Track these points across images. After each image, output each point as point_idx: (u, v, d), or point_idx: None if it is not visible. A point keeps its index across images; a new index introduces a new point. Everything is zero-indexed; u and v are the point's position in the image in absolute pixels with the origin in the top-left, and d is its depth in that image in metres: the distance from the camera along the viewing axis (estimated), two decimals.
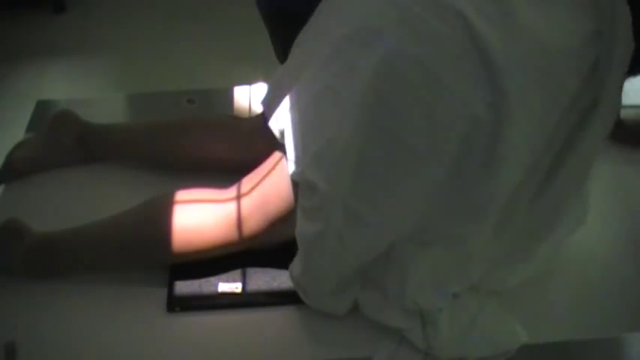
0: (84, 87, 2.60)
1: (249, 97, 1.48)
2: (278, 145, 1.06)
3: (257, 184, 1.02)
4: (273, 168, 1.02)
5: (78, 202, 1.18)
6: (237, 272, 1.06)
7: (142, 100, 1.55)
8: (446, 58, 0.82)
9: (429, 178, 0.87)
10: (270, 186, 1.00)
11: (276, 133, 1.04)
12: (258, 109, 1.40)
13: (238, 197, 1.02)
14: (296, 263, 0.98)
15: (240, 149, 1.17)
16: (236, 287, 1.04)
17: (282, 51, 1.57)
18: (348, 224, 0.88)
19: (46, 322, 0.99)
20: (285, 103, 1.00)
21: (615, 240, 1.16)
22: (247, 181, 1.04)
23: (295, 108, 0.95)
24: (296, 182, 0.95)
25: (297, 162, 0.92)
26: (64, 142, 1.23)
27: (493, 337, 0.95)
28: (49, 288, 1.03)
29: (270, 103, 1.07)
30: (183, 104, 1.42)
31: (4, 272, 1.04)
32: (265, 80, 1.58)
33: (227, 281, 1.05)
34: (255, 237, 1.01)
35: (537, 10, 0.83)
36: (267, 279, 1.06)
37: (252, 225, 1.00)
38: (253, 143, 1.16)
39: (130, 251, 1.04)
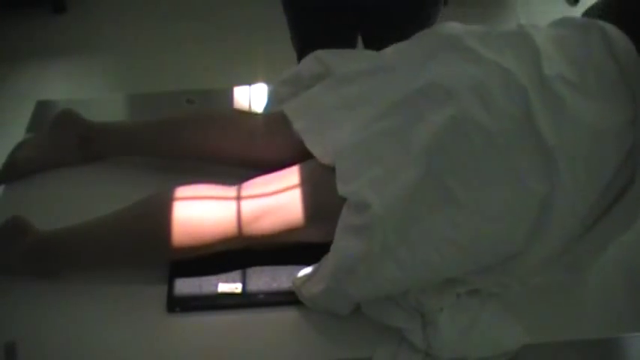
0: (84, 87, 2.61)
1: (249, 97, 1.48)
2: (287, 144, 1.12)
3: (278, 191, 1.02)
4: (302, 183, 1.03)
5: (79, 202, 1.18)
6: (237, 272, 1.06)
7: (142, 100, 1.55)
8: (506, 129, 0.93)
9: (471, 235, 0.92)
10: (293, 195, 1.01)
11: (315, 152, 1.06)
12: (258, 109, 1.40)
13: (254, 196, 1.02)
14: (314, 281, 0.98)
15: (244, 144, 1.17)
16: (236, 287, 1.04)
17: (298, 38, 1.57)
18: (382, 253, 0.91)
19: (46, 322, 0.99)
20: (333, 128, 1.07)
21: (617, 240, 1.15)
22: (265, 183, 1.04)
23: (351, 136, 1.00)
24: (320, 201, 0.99)
25: (347, 181, 0.96)
26: (67, 142, 1.23)
27: (494, 337, 0.95)
28: (49, 288, 1.04)
29: (302, 117, 1.12)
30: (183, 104, 1.42)
31: (6, 270, 1.04)
32: (265, 80, 1.58)
33: (227, 281, 1.05)
34: (258, 238, 1.02)
35: (582, 99, 0.96)
36: (267, 279, 1.06)
37: (259, 226, 1.00)
38: (259, 139, 1.17)
39: (132, 247, 1.03)
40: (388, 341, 0.97)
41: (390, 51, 1.18)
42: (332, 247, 0.95)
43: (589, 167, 0.94)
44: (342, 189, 0.96)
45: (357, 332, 0.98)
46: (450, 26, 1.10)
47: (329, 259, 0.95)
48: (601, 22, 1.06)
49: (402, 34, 1.30)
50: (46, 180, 1.23)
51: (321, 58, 1.31)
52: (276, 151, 1.16)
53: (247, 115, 1.25)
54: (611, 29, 1.02)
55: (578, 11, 3.03)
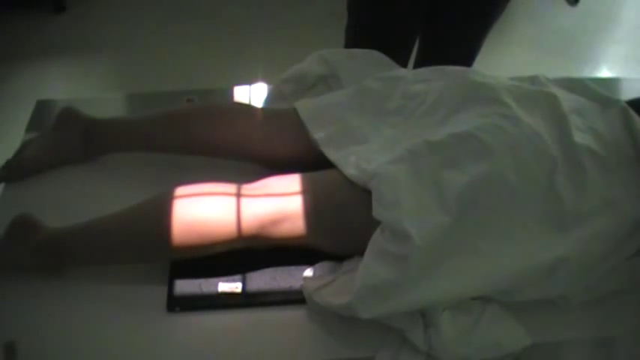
0: (84, 87, 2.60)
1: (249, 97, 1.48)
2: (294, 141, 1.15)
3: (297, 196, 1.02)
4: (323, 191, 1.03)
5: (80, 200, 1.18)
6: (237, 272, 1.06)
7: (142, 100, 1.55)
8: (530, 192, 0.99)
9: (486, 277, 0.97)
10: (312, 203, 1.01)
11: (338, 163, 1.07)
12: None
13: (272, 197, 1.03)
14: (331, 292, 0.98)
15: (249, 137, 1.17)
16: (236, 287, 1.04)
17: (358, 28, 1.52)
18: (407, 282, 0.93)
19: (46, 322, 0.99)
20: (356, 142, 1.11)
21: None
22: (282, 186, 1.04)
23: (391, 164, 1.02)
24: (342, 215, 1.02)
25: (386, 207, 0.96)
26: (71, 139, 1.23)
27: (495, 339, 0.95)
28: (49, 288, 1.03)
29: (322, 127, 1.14)
30: (183, 104, 1.42)
31: (16, 267, 1.04)
32: (265, 80, 1.58)
33: (227, 281, 1.05)
34: (272, 240, 1.02)
35: (602, 170, 1.03)
36: (267, 279, 1.06)
37: (277, 230, 1.01)
38: (264, 133, 1.17)
39: (138, 247, 1.03)
40: (390, 342, 0.96)
41: (411, 76, 1.20)
42: (361, 267, 0.95)
43: (601, 233, 1.00)
44: (380, 213, 0.97)
45: (357, 332, 0.98)
46: (480, 74, 1.14)
47: (356, 278, 0.94)
48: (623, 102, 1.13)
49: (465, 32, 1.36)
50: (46, 179, 1.23)
51: (326, 58, 1.32)
52: (281, 147, 1.17)
53: (252, 108, 1.25)
54: (631, 110, 1.11)
55: (578, 11, 3.03)
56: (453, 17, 1.45)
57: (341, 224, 1.02)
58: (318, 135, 1.14)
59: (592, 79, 2.19)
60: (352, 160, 1.05)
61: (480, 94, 1.09)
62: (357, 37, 1.51)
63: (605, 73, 2.87)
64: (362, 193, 1.01)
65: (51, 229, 1.05)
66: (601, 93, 1.19)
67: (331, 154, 1.10)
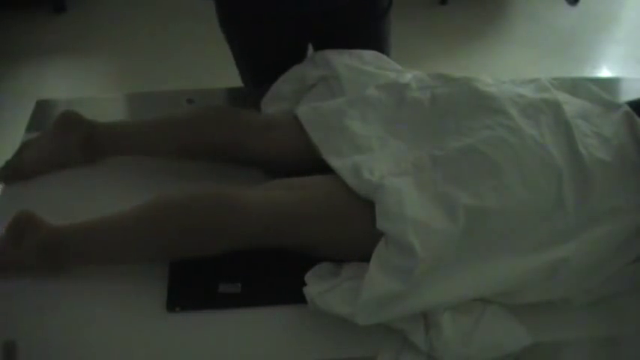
0: (84, 87, 2.61)
1: (248, 97, 1.48)
2: (295, 147, 1.15)
3: (303, 202, 1.03)
4: (327, 201, 1.03)
5: (80, 202, 1.17)
6: (237, 272, 1.06)
7: (141, 99, 1.55)
8: (537, 202, 0.99)
9: (486, 288, 0.98)
10: (317, 210, 1.02)
11: (342, 173, 1.06)
12: (258, 108, 1.39)
13: (276, 203, 1.02)
14: (333, 297, 0.97)
15: (247, 143, 1.17)
16: (236, 287, 1.04)
17: (246, 63, 1.50)
18: (409, 290, 0.93)
19: (46, 321, 0.99)
20: (359, 151, 1.10)
21: None
22: (286, 190, 1.04)
23: (395, 177, 1.02)
24: (347, 227, 1.02)
25: (390, 218, 0.96)
26: (71, 143, 1.23)
27: (496, 338, 0.95)
28: (49, 288, 1.03)
29: (328, 140, 1.14)
30: (183, 104, 1.42)
31: (18, 263, 1.04)
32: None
33: (227, 281, 1.05)
34: (273, 245, 1.03)
35: (608, 178, 1.02)
36: (267, 279, 1.06)
37: (280, 234, 1.01)
38: (263, 138, 1.17)
39: (141, 246, 1.04)
40: (391, 343, 0.96)
41: (413, 83, 1.19)
42: (366, 279, 0.94)
43: (603, 237, 1.00)
44: (384, 225, 0.97)
45: (358, 332, 0.98)
46: (483, 82, 1.14)
47: (361, 290, 0.93)
48: (626, 106, 1.12)
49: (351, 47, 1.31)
50: (46, 180, 1.23)
51: (326, 58, 1.31)
52: (282, 153, 1.17)
53: (253, 114, 1.24)
54: (635, 115, 1.11)
55: (578, 11, 3.03)
56: (333, 32, 1.42)
57: (341, 232, 1.02)
58: (320, 142, 1.14)
59: (592, 79, 2.18)
60: (355, 170, 1.05)
61: (483, 103, 1.09)
62: (249, 66, 1.50)
63: (605, 73, 2.87)
64: (364, 203, 1.01)
65: (52, 227, 1.05)
66: (604, 96, 1.19)
67: (333, 162, 1.09)
